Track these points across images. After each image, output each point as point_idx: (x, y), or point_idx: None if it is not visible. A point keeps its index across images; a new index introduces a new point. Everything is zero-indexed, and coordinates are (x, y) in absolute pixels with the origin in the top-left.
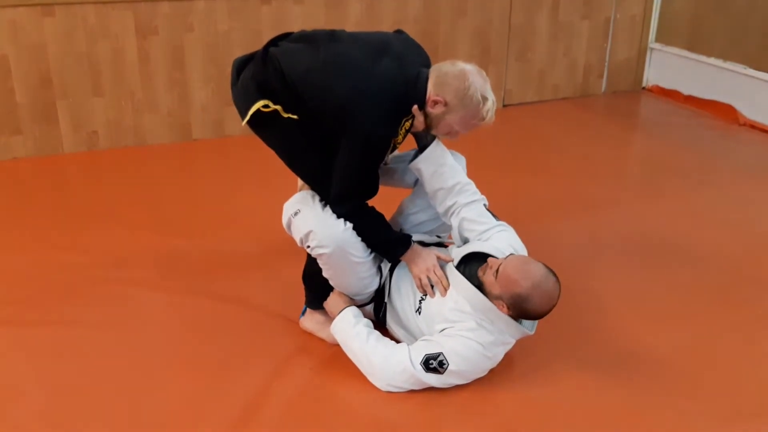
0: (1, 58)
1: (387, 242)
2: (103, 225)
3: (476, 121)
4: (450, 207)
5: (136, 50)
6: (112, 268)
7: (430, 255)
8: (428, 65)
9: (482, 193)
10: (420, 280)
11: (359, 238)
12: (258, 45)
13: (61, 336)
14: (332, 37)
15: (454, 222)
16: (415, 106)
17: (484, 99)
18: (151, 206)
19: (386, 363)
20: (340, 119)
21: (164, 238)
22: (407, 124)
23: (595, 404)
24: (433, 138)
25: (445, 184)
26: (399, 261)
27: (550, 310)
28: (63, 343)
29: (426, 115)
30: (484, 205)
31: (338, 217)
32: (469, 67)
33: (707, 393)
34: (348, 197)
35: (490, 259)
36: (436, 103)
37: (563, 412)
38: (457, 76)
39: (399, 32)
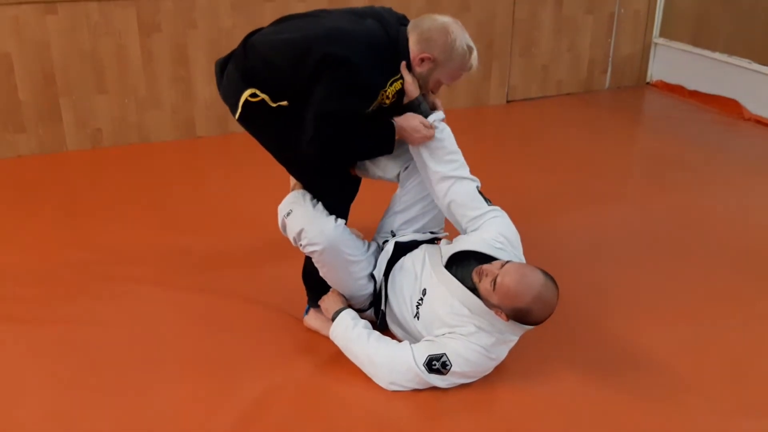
0: (5, 56)
1: (374, 137)
2: (107, 222)
3: (464, 71)
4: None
5: (139, 47)
6: (116, 265)
7: (413, 117)
8: None
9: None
10: (422, 135)
11: (351, 236)
12: None
13: (66, 333)
14: (308, 14)
15: (444, 200)
16: (403, 63)
17: (470, 49)
18: (155, 203)
19: (389, 362)
20: (322, 58)
21: (169, 235)
22: (397, 84)
23: (598, 400)
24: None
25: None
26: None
27: (550, 316)
28: (68, 340)
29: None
30: (477, 187)
31: (312, 141)
32: (448, 20)
33: (711, 389)
34: (321, 127)
35: (484, 267)
36: (423, 60)
37: (566, 409)
38: (440, 30)
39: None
